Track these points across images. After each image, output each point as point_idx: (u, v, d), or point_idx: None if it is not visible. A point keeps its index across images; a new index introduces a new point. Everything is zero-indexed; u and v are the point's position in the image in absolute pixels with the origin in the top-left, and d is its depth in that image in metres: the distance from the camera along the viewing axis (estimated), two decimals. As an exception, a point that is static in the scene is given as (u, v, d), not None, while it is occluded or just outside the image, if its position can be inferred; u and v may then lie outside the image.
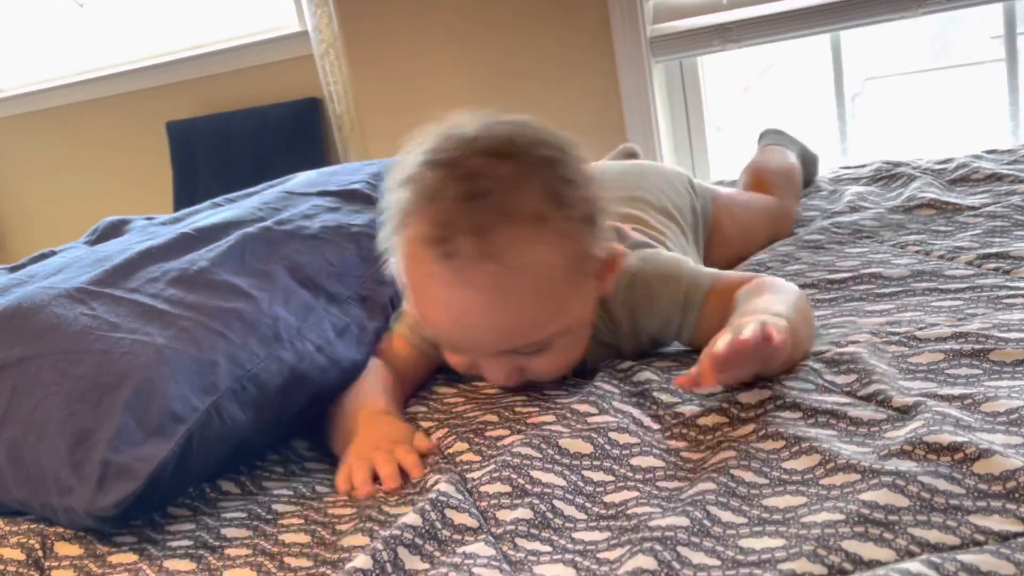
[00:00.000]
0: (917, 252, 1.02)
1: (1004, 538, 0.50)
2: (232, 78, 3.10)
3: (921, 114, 2.24)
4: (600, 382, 0.78)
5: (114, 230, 1.16)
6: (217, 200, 1.25)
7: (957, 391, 0.67)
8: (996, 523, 0.51)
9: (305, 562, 0.63)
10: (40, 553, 0.68)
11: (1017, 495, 0.52)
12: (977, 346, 0.73)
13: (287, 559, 0.64)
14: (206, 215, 1.11)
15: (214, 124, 3.11)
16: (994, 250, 0.97)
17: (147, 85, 3.19)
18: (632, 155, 1.50)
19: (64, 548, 0.69)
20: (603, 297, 0.83)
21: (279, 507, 0.73)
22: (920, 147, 2.05)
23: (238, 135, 3.06)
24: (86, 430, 0.69)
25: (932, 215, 1.14)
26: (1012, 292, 0.85)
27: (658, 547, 0.53)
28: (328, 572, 0.61)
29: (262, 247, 0.94)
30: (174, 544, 0.68)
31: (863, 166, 1.48)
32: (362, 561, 0.57)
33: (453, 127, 0.78)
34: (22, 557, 0.68)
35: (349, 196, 1.10)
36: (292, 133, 3.00)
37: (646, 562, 0.51)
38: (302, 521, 0.69)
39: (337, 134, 2.95)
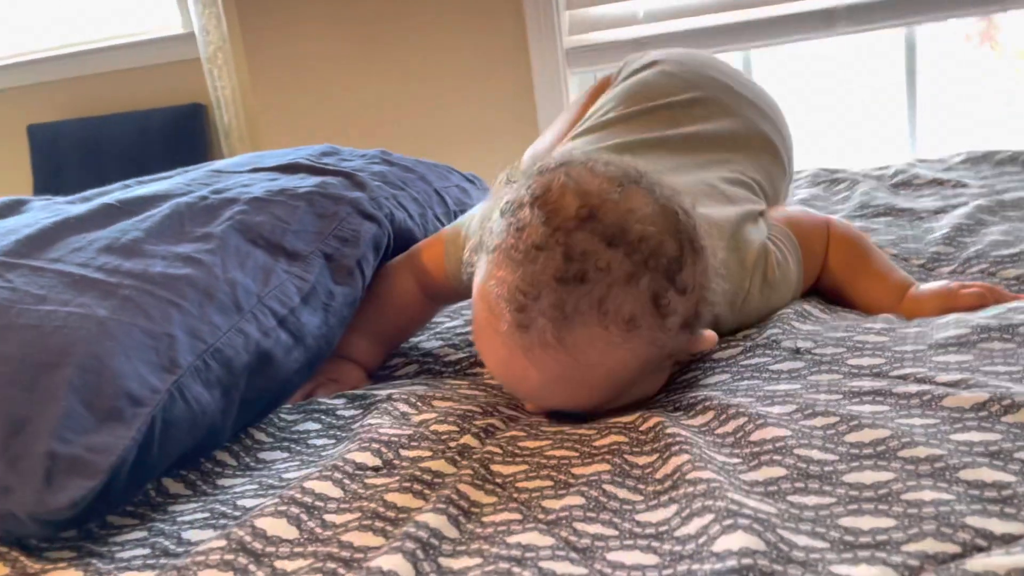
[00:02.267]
0: (895, 256, 1.00)
1: None
2: (106, 80, 2.89)
3: (820, 128, 2.32)
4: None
5: (9, 210, 1.01)
6: (127, 182, 1.11)
7: (1001, 368, 0.63)
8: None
9: (301, 562, 0.52)
10: (-43, 575, 0.54)
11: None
12: (1004, 322, 0.70)
13: (278, 563, 0.52)
14: (123, 192, 0.98)
15: (83, 128, 2.88)
16: (974, 251, 0.96)
17: (6, 85, 2.93)
18: None
19: (-14, 569, 0.55)
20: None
21: (246, 502, 0.61)
22: (823, 160, 2.12)
23: (111, 141, 2.85)
24: (20, 418, 0.56)
25: (892, 219, 1.14)
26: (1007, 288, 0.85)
27: (758, 527, 0.46)
28: (340, 570, 0.50)
29: (202, 214, 0.82)
30: (126, 555, 0.56)
31: (798, 172, 1.48)
32: (394, 563, 0.47)
33: (573, 169, 0.67)
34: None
35: (290, 168, 1.00)
36: (173, 140, 2.81)
37: (752, 542, 0.44)
38: (284, 516, 0.57)
39: (223, 142, 2.78)
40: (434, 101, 2.29)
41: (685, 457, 0.55)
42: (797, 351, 0.73)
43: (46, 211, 0.92)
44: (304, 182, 0.94)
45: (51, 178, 2.88)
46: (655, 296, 0.63)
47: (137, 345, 0.63)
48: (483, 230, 0.70)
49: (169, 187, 0.93)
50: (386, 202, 0.97)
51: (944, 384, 0.61)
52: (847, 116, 2.30)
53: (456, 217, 1.13)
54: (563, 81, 2.17)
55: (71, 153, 2.89)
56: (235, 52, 2.66)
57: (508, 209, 0.67)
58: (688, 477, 0.53)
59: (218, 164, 1.10)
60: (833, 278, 0.89)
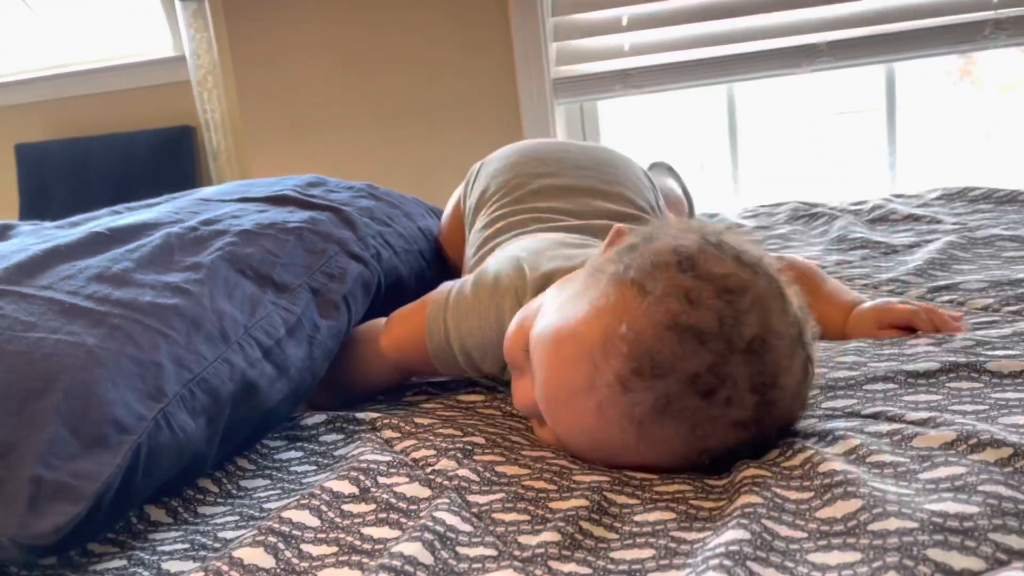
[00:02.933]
0: (866, 286, 1.02)
1: (1088, 544, 0.47)
2: (95, 101, 2.90)
3: (802, 161, 2.36)
4: None
5: (-6, 234, 1.01)
6: (116, 208, 1.12)
7: (968, 407, 0.65)
8: (1074, 529, 0.48)
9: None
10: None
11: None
12: (972, 359, 0.72)
13: (256, 594, 0.53)
14: (112, 219, 0.99)
15: (72, 148, 2.89)
16: (942, 283, 0.98)
17: (-5, 103, 2.94)
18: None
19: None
20: None
21: (227, 534, 0.62)
22: (803, 193, 2.15)
23: (99, 162, 2.85)
24: (6, 442, 0.57)
25: (868, 252, 1.16)
26: (977, 322, 0.86)
27: (727, 562, 0.47)
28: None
29: (192, 245, 0.83)
30: (105, 583, 0.57)
31: (778, 204, 1.51)
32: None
33: (774, 287, 0.62)
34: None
35: (278, 200, 1.01)
36: (161, 162, 2.82)
37: (722, 579, 0.45)
38: (261, 545, 0.58)
39: (212, 164, 2.80)
40: (422, 128, 2.31)
41: (669, 515, 0.56)
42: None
43: (35, 236, 0.93)
44: (293, 216, 0.95)
45: (38, 198, 2.87)
46: (741, 446, 0.61)
47: (125, 373, 0.64)
48: (625, 252, 0.66)
49: (158, 216, 0.94)
50: (372, 241, 0.98)
51: (914, 423, 0.62)
52: (828, 149, 2.34)
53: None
54: (550, 112, 2.19)
55: (59, 173, 2.89)
56: (225, 76, 2.67)
57: (687, 267, 0.61)
58: (672, 534, 0.54)
59: (205, 192, 1.11)
60: None
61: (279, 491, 0.70)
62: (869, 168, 2.26)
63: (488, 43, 2.21)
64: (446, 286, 0.87)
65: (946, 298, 0.94)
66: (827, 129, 2.35)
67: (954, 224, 1.23)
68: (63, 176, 2.87)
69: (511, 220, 1.00)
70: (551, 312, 0.67)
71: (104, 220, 0.98)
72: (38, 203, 2.87)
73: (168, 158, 2.82)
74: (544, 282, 0.79)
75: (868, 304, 0.88)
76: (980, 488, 0.52)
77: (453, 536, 0.55)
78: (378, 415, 0.79)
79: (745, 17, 2.07)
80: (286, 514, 0.60)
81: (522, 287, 0.80)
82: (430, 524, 0.56)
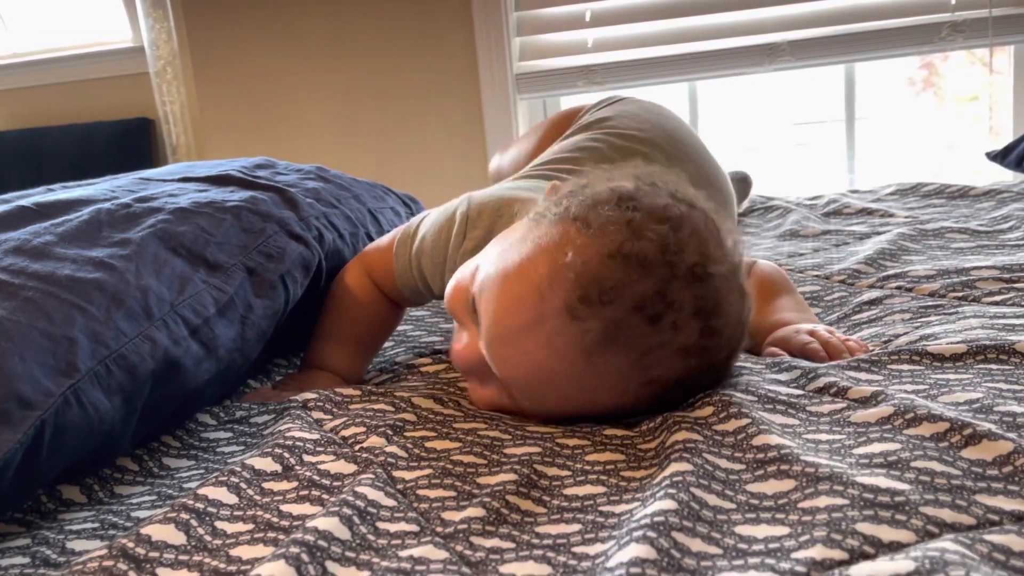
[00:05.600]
0: (817, 276, 1.01)
1: (1019, 518, 0.46)
2: (52, 91, 2.84)
3: (763, 157, 2.36)
4: None
5: (-80, 209, 0.97)
6: (51, 186, 1.08)
7: (908, 386, 0.64)
8: (1004, 503, 0.47)
9: (184, 572, 0.50)
10: None
11: (1016, 478, 0.49)
12: (914, 346, 0.71)
13: (160, 571, 0.50)
14: (44, 195, 0.95)
15: (25, 139, 2.82)
16: (892, 271, 0.98)
17: (-56, 93, 2.88)
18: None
19: None
20: None
21: (140, 514, 0.59)
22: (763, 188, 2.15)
23: (54, 153, 2.79)
24: (-101, 414, 0.53)
25: (820, 244, 1.16)
26: (923, 306, 0.85)
27: (651, 534, 0.45)
28: (223, 582, 0.48)
29: (123, 221, 0.80)
30: (3, 563, 0.54)
31: (736, 200, 1.50)
32: (275, 570, 0.45)
33: (710, 219, 0.65)
34: None
35: (220, 180, 0.98)
36: (118, 154, 2.76)
37: (644, 551, 0.43)
38: (172, 522, 0.55)
39: (171, 157, 2.75)
40: (383, 122, 2.28)
41: (601, 489, 0.55)
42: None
43: (-41, 212, 0.89)
44: (233, 195, 0.92)
45: (-10, 189, 2.81)
46: (688, 377, 0.62)
47: (34, 347, 0.61)
48: (564, 194, 0.67)
49: (92, 193, 0.91)
50: (315, 222, 0.95)
51: (854, 399, 0.61)
52: (791, 148, 2.35)
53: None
54: (512, 106, 2.18)
55: (13, 164, 2.83)
56: (184, 68, 2.63)
57: (627, 202, 0.63)
58: (601, 509, 0.52)
59: (147, 172, 1.07)
60: None
61: (202, 471, 0.67)
62: (830, 170, 2.26)
63: (451, 37, 2.19)
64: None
65: (894, 284, 0.94)
66: (786, 138, 2.36)
67: (906, 217, 1.23)
68: (17, 167, 2.81)
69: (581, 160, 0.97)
70: (495, 259, 0.67)
71: (35, 196, 0.94)
72: (-9, 195, 2.80)
73: (126, 151, 2.77)
74: (489, 220, 0.82)
75: (779, 332, 0.81)
76: (913, 464, 0.51)
77: (374, 511, 0.53)
78: (312, 397, 0.76)
79: (708, 15, 2.07)
80: (202, 491, 0.57)
81: (473, 221, 0.83)
82: (350, 499, 0.53)
